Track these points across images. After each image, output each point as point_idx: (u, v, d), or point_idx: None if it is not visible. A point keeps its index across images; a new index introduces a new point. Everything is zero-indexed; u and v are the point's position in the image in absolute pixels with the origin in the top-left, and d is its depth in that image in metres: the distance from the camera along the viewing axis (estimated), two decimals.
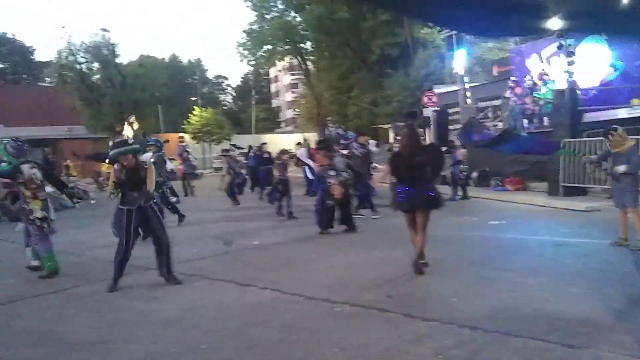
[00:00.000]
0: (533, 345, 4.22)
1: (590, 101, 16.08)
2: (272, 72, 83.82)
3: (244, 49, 42.15)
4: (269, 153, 17.72)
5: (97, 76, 45.79)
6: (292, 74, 70.88)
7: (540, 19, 4.05)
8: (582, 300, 5.29)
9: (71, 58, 43.66)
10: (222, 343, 4.67)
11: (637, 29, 5.05)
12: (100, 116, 39.97)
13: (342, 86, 39.44)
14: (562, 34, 15.64)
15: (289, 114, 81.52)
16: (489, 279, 6.28)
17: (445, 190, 14.30)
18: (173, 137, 41.11)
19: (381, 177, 9.25)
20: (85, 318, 5.68)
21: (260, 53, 42.28)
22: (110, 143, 7.25)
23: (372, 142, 15.13)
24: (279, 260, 8.05)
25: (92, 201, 19.53)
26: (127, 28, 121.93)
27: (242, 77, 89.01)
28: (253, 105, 63.96)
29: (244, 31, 41.79)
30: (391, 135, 18.30)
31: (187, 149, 21.67)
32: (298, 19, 39.72)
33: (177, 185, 19.74)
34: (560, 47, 15.48)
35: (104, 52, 44.03)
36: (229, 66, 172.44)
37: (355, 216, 10.85)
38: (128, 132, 10.39)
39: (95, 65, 45.25)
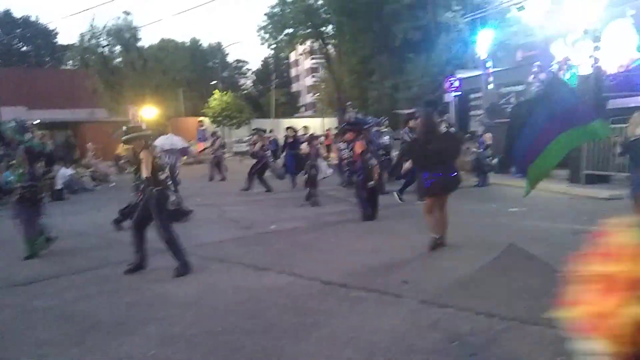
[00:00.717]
0: (550, 333, 4.18)
1: (616, 87, 15.77)
2: (293, 56, 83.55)
3: (265, 32, 42.04)
4: (293, 137, 17.03)
5: (119, 59, 46.10)
6: (313, 58, 70.51)
7: None
8: None
9: (93, 41, 43.97)
10: (238, 326, 4.71)
11: None
12: (122, 99, 40.22)
13: (362, 70, 39.18)
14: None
15: (308, 98, 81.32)
16: (506, 266, 6.24)
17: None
18: (193, 120, 41.38)
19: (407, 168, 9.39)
20: (104, 299, 5.77)
21: (281, 37, 42.14)
22: (124, 128, 7.24)
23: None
24: (297, 245, 8.07)
25: (111, 184, 19.74)
26: (149, 11, 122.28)
27: (262, 61, 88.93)
28: (273, 90, 63.92)
29: (265, 14, 41.67)
30: (412, 121, 18.24)
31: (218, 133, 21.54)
32: (320, 1, 39.48)
33: (203, 168, 19.90)
34: (586, 31, 15.18)
35: (125, 36, 44.25)
36: (249, 50, 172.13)
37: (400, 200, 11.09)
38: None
39: (117, 48, 45.52)
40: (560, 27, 18.54)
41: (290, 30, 41.24)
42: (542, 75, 17.56)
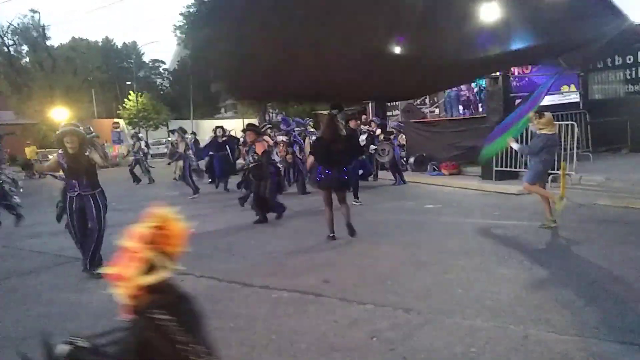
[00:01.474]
0: (466, 325, 4.34)
1: (522, 87, 16.60)
2: None
3: (182, 32, 41.30)
4: (223, 137, 16.42)
5: (26, 59, 43.87)
6: None
7: None
8: (512, 280, 5.47)
9: None
10: None
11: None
12: (30, 101, 38.26)
13: None
14: None
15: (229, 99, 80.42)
16: (423, 261, 6.42)
17: (384, 175, 14.49)
18: (107, 122, 39.96)
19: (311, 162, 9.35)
20: (13, 311, 5.45)
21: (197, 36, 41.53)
22: (63, 124, 7.10)
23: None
24: (216, 248, 7.95)
25: (20, 190, 18.70)
26: (58, 9, 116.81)
27: (179, 61, 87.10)
28: (191, 90, 62.73)
29: (180, 14, 40.95)
30: (352, 121, 18.07)
31: (139, 135, 20.83)
32: None
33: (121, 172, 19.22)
34: None
35: (33, 34, 42.19)
36: (166, 49, 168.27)
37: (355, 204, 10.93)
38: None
39: (24, 48, 43.31)
40: None
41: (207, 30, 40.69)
42: None
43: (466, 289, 5.26)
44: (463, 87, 18.31)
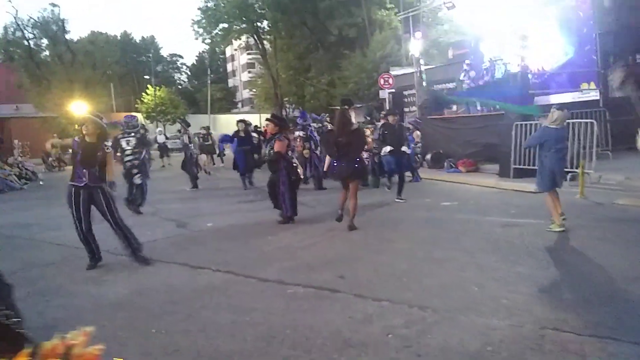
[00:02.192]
0: (481, 323, 4.33)
1: (541, 85, 16.46)
2: (228, 51, 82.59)
3: (199, 27, 41.42)
4: (245, 131, 15.56)
5: (46, 53, 44.31)
6: (249, 54, 70.04)
7: None
8: (528, 279, 5.45)
9: (18, 34, 42.10)
10: (172, 326, 4.62)
11: None
12: (49, 94, 38.67)
13: (299, 67, 39.28)
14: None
15: (245, 94, 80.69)
16: (440, 259, 6.41)
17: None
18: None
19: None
20: (33, 303, 5.53)
21: (215, 31, 41.62)
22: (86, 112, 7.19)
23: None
24: (233, 242, 8.01)
25: (40, 182, 18.97)
26: (77, 3, 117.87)
27: (197, 56, 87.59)
28: (209, 85, 63.08)
29: (199, 9, 41.03)
30: (353, 115, 18.00)
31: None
32: None
33: None
34: (514, 31, 15.74)
35: (53, 28, 42.62)
36: (184, 44, 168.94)
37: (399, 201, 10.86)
38: None
39: (44, 41, 43.77)
40: (489, 26, 19.17)
41: (225, 25, 40.76)
42: (473, 73, 18.11)
43: (482, 287, 5.24)
44: (481, 82, 18.20)
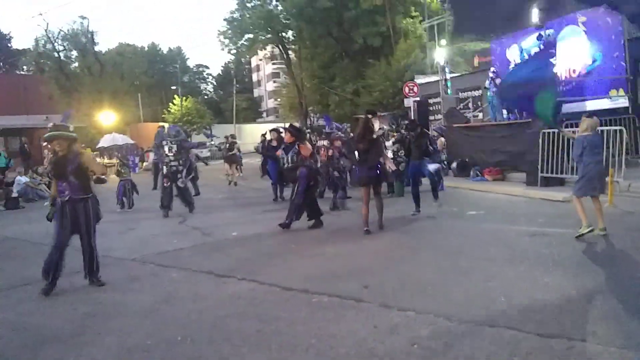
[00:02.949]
0: (508, 335, 4.26)
1: (569, 92, 16.22)
2: (254, 61, 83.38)
3: (225, 38, 41.87)
4: (278, 140, 14.64)
5: (75, 64, 45.22)
6: (274, 63, 70.55)
7: None
8: (556, 290, 5.35)
9: (49, 46, 43.08)
10: (198, 335, 4.65)
11: None
12: (79, 105, 39.44)
13: (324, 76, 39.33)
14: (541, 23, 15.82)
15: (270, 103, 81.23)
16: (466, 269, 6.33)
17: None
18: (152, 126, 40.87)
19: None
20: (60, 310, 5.62)
21: (241, 42, 42.03)
22: (51, 125, 6.77)
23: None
24: (258, 252, 8.03)
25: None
26: (106, 15, 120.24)
27: (223, 66, 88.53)
28: (234, 95, 63.60)
29: (224, 19, 41.55)
30: (376, 125, 17.74)
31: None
32: (280, 7, 39.52)
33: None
34: (539, 37, 15.56)
35: (82, 40, 43.50)
36: (210, 55, 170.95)
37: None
38: None
39: (74, 53, 44.68)
40: (515, 33, 18.99)
41: (251, 36, 41.14)
42: (498, 81, 17.93)
43: (509, 298, 5.16)
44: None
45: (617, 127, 11.84)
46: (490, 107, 18.61)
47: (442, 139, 16.32)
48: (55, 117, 41.46)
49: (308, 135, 14.82)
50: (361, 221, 8.98)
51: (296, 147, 9.81)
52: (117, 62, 46.15)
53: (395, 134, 14.46)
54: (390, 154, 13.31)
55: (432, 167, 10.76)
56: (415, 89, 23.75)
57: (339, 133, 15.05)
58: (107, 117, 38.21)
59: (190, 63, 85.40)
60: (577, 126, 12.75)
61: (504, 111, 18.02)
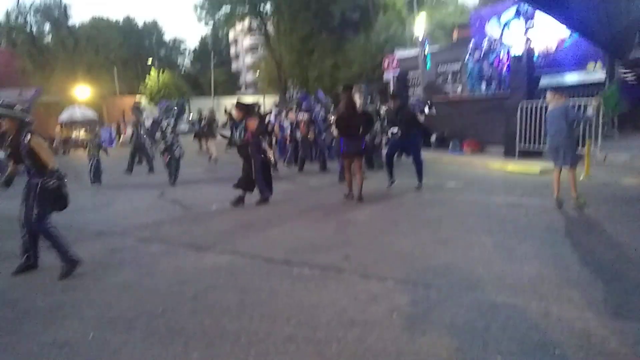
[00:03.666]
0: (486, 302, 4.34)
1: (547, 65, 16.33)
2: (232, 34, 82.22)
3: (202, 10, 41.23)
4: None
5: (49, 39, 44.24)
6: (252, 36, 69.67)
7: None
8: (533, 258, 5.45)
9: (21, 20, 41.99)
10: (179, 307, 4.65)
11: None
12: (52, 79, 38.66)
13: (302, 49, 39.02)
14: None
15: (249, 77, 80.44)
16: (444, 239, 6.41)
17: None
18: (129, 100, 40.32)
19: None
20: (39, 285, 5.57)
21: (218, 15, 41.41)
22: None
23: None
24: (238, 224, 8.02)
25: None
26: None
27: (200, 40, 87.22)
28: (212, 68, 62.80)
29: None
30: (356, 98, 17.49)
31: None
32: None
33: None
34: (518, 13, 15.57)
35: (55, 13, 42.48)
36: (187, 28, 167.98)
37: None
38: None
39: (47, 27, 43.66)
40: (494, 6, 18.99)
41: (228, 8, 40.52)
42: (477, 54, 17.99)
43: (487, 267, 5.25)
44: (485, 63, 18.07)
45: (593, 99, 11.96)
46: (469, 80, 18.69)
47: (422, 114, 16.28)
48: (28, 92, 40.65)
49: (290, 108, 14.81)
50: (341, 195, 9.04)
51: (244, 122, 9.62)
52: (91, 36, 45.15)
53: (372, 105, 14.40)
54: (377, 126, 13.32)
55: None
56: (395, 62, 23.65)
57: (319, 107, 15.03)
58: (81, 91, 37.54)
59: (167, 37, 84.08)
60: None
61: (483, 84, 18.12)
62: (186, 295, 4.95)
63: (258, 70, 59.50)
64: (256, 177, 9.51)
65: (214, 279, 5.38)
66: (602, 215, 7.26)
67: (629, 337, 3.61)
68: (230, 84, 78.91)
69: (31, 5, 41.96)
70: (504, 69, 17.41)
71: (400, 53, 25.80)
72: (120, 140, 32.17)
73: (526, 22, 15.44)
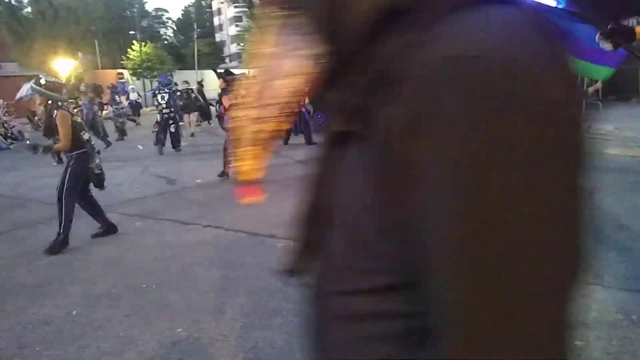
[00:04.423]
0: None
1: None
2: (215, 4, 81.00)
3: None
4: None
5: (28, 9, 43.31)
6: (236, 6, 68.65)
7: None
8: None
9: None
10: (163, 282, 4.64)
11: None
12: (33, 52, 37.89)
13: None
14: None
15: (233, 48, 79.49)
16: None
17: None
18: (111, 73, 39.72)
19: None
20: (22, 262, 5.53)
21: None
22: (43, 81, 6.41)
23: None
24: (223, 199, 7.99)
25: (27, 142, 18.75)
26: None
27: (183, 10, 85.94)
28: (195, 40, 61.87)
29: None
30: None
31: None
32: None
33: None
34: None
35: None
36: None
37: None
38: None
39: None
40: None
41: None
42: None
43: None
44: None
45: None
46: None
47: None
48: (8, 65, 39.98)
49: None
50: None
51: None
52: (72, 7, 44.21)
53: None
54: None
55: None
56: None
57: None
58: (63, 64, 36.89)
59: (149, 7, 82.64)
60: None
61: None
62: (171, 270, 4.94)
63: (243, 42, 58.78)
64: (224, 150, 9.39)
65: (199, 253, 5.38)
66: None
67: (611, 306, 3.66)
68: (215, 55, 78.00)
69: None
70: None
71: None
72: (103, 114, 31.80)
73: None
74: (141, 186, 9.29)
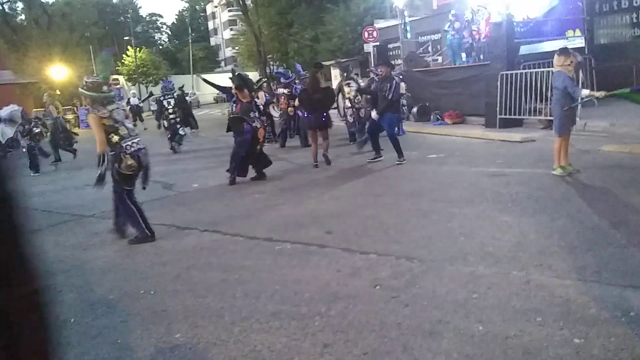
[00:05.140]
0: (467, 271, 4.36)
1: (527, 33, 16.26)
2: (209, 8, 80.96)
3: None
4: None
5: (22, 17, 43.23)
6: (230, 10, 68.59)
7: None
8: (514, 227, 5.48)
9: None
10: (161, 287, 4.62)
11: None
12: (27, 60, 37.82)
13: (282, 22, 38.48)
14: None
15: (228, 52, 79.41)
16: (426, 211, 6.42)
17: None
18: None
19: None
20: None
21: None
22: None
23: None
24: (220, 203, 7.98)
25: (23, 149, 18.69)
26: None
27: (177, 15, 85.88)
28: (190, 44, 61.86)
29: None
30: (334, 72, 17.72)
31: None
32: None
33: None
34: None
35: None
36: (163, 3, 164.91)
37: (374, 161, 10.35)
38: None
39: (19, 5, 42.64)
40: None
41: None
42: (457, 24, 17.87)
43: (468, 237, 5.27)
44: (465, 33, 17.96)
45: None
46: (450, 50, 18.59)
47: (403, 84, 16.25)
48: (3, 73, 39.86)
49: (264, 84, 14.72)
50: (321, 170, 9.06)
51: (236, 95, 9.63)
52: (66, 13, 44.15)
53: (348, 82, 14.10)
54: (348, 103, 13.23)
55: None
56: (375, 33, 23.42)
57: (298, 82, 14.87)
58: (58, 71, 36.82)
59: (143, 12, 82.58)
60: (533, 68, 12.90)
61: (463, 54, 18.04)
62: (168, 275, 4.92)
63: (237, 46, 58.65)
64: (234, 155, 9.34)
65: (196, 258, 5.36)
66: (582, 182, 7.32)
67: (609, 303, 3.65)
68: (209, 60, 77.96)
69: None
70: (482, 38, 17.31)
71: (381, 24, 25.62)
72: None
73: None
74: (138, 191, 9.24)
